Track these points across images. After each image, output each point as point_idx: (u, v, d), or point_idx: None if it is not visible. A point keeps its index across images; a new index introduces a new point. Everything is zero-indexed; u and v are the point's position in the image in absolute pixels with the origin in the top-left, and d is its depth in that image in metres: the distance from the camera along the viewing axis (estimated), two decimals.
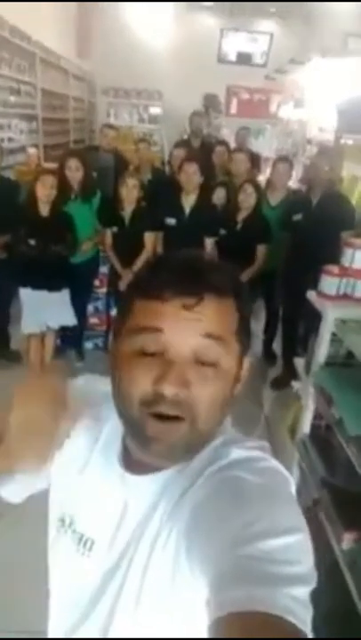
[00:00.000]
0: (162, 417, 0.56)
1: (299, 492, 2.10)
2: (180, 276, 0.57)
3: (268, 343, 4.18)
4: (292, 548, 0.50)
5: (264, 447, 0.63)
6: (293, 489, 0.60)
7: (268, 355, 4.15)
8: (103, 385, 0.67)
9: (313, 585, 0.49)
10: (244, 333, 0.61)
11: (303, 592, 0.47)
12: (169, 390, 0.55)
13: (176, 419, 0.56)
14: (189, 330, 0.56)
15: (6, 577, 2.08)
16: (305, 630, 0.44)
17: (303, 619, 0.45)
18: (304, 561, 0.50)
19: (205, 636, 0.47)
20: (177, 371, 0.55)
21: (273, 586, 0.46)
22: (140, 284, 0.60)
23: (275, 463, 0.61)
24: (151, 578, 0.60)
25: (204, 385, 0.56)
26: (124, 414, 0.60)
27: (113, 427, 0.68)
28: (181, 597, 0.58)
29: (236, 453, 0.61)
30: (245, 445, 0.62)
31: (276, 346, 4.11)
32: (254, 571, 0.47)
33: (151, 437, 0.57)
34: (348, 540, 1.55)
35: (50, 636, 0.77)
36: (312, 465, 1.92)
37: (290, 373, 3.31)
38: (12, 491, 0.71)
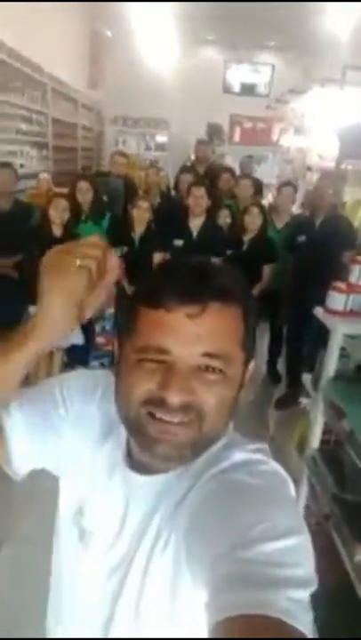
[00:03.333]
0: (163, 421, 0.56)
1: (308, 507, 2.10)
2: (183, 283, 0.56)
3: (272, 364, 4.21)
4: (291, 550, 0.50)
5: (264, 450, 0.64)
6: (293, 491, 0.60)
7: (273, 375, 4.17)
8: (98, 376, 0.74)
9: (314, 587, 0.49)
10: (249, 340, 0.61)
11: (303, 595, 0.47)
12: (172, 398, 0.55)
13: (182, 423, 0.56)
14: (193, 346, 0.55)
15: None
16: (305, 632, 0.44)
17: (303, 621, 0.45)
18: (304, 563, 0.50)
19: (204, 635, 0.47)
20: (181, 378, 0.55)
21: (272, 588, 0.46)
22: (145, 290, 0.59)
23: (275, 465, 0.61)
24: (151, 581, 0.60)
25: (208, 391, 0.56)
26: (124, 415, 0.61)
27: (121, 427, 0.68)
28: (182, 600, 0.58)
29: (237, 456, 0.61)
30: (246, 448, 0.63)
31: (280, 366, 4.14)
32: (253, 574, 0.47)
33: (154, 438, 0.57)
34: (360, 553, 1.55)
35: (48, 627, 0.78)
36: (322, 480, 1.93)
37: (294, 393, 3.34)
38: (19, 455, 0.70)
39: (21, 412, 0.70)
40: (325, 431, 2.09)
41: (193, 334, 0.55)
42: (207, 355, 0.56)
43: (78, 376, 0.79)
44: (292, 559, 0.49)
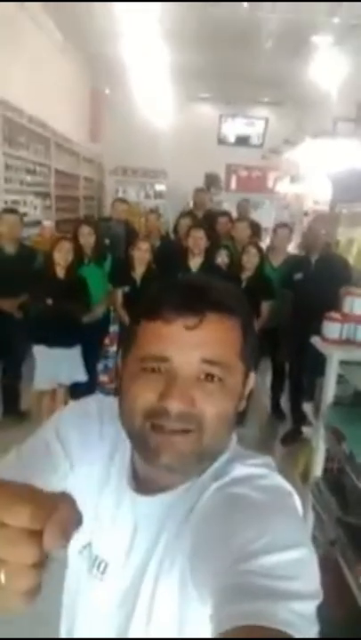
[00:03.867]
0: (165, 430, 0.56)
1: (314, 535, 2.08)
2: (182, 296, 0.58)
3: (275, 400, 4.23)
4: (292, 563, 0.50)
5: (269, 464, 0.64)
6: (298, 504, 0.60)
7: (277, 412, 4.17)
8: (112, 405, 0.66)
9: (318, 600, 0.49)
10: (248, 351, 0.62)
11: (306, 607, 0.47)
12: (173, 407, 0.55)
13: (183, 431, 0.57)
14: (192, 352, 0.57)
15: None
16: None
17: (305, 632, 0.45)
18: (306, 576, 0.50)
19: None
20: (181, 387, 0.56)
21: (274, 600, 0.46)
22: (146, 304, 0.61)
23: (278, 479, 0.61)
24: (159, 600, 0.60)
25: (208, 401, 0.57)
26: (128, 428, 0.61)
27: (124, 448, 0.69)
28: (190, 618, 0.58)
29: (240, 470, 0.61)
30: (249, 462, 0.63)
31: (284, 402, 4.15)
32: (255, 586, 0.47)
33: (156, 449, 0.57)
34: None
35: None
36: (327, 506, 1.93)
37: (300, 428, 3.34)
38: None
39: (21, 466, 0.66)
40: (328, 459, 2.11)
41: (192, 342, 0.56)
42: (206, 361, 0.57)
43: (72, 410, 0.76)
44: (293, 572, 0.49)
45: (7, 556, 0.33)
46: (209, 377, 0.57)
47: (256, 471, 0.61)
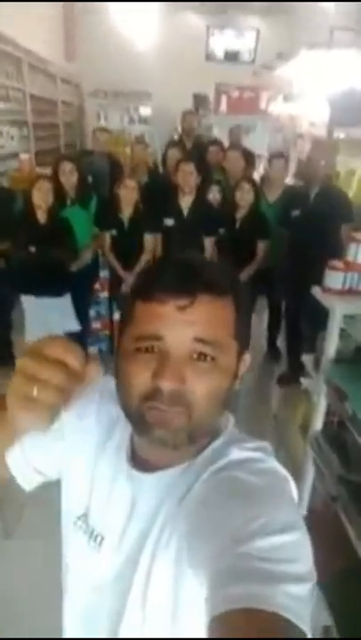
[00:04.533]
0: (160, 409, 0.58)
1: (315, 487, 2.10)
2: (174, 277, 0.58)
3: (272, 340, 4.19)
4: (288, 546, 0.51)
5: (265, 448, 0.65)
6: (294, 488, 0.61)
7: (273, 352, 4.15)
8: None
9: (313, 582, 0.50)
10: (242, 331, 0.63)
11: (301, 589, 0.48)
12: (166, 385, 0.56)
13: (175, 410, 0.58)
14: (184, 332, 0.57)
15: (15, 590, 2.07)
16: (302, 627, 0.45)
17: (301, 615, 0.45)
18: (301, 559, 0.51)
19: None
20: (173, 366, 0.57)
21: (270, 583, 0.46)
22: (139, 286, 0.62)
23: (274, 464, 0.62)
24: (156, 577, 0.62)
25: (200, 380, 0.58)
26: (124, 406, 0.62)
27: (124, 427, 0.71)
28: (185, 596, 0.59)
29: (236, 454, 0.63)
30: (246, 446, 0.64)
31: (281, 342, 4.12)
32: (251, 569, 0.48)
33: (152, 424, 0.59)
34: None
35: (66, 631, 0.79)
36: (327, 462, 1.92)
37: (296, 369, 3.32)
38: (24, 474, 0.77)
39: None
40: (328, 413, 2.07)
41: (184, 322, 0.57)
42: (198, 340, 0.57)
43: None
44: (289, 555, 0.50)
45: (42, 375, 0.45)
46: (202, 356, 0.58)
47: (253, 455, 0.63)
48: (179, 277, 0.58)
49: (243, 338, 0.63)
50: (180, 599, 0.59)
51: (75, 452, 0.73)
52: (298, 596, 0.46)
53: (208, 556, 0.52)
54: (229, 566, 0.49)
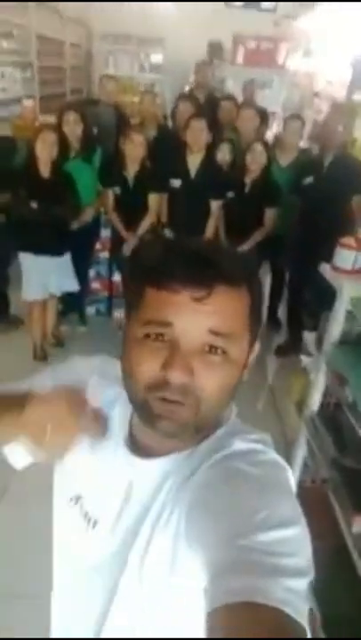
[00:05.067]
0: (166, 400, 0.57)
1: (306, 467, 2.11)
2: (190, 266, 0.55)
3: (272, 309, 4.12)
4: (289, 540, 0.50)
5: (266, 440, 0.65)
6: (292, 481, 0.61)
7: (273, 321, 4.10)
8: (115, 368, 0.65)
9: (311, 576, 0.50)
10: (255, 322, 0.61)
11: (301, 584, 0.48)
12: (175, 378, 0.55)
13: (183, 402, 0.57)
14: (199, 323, 0.55)
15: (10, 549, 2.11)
16: (301, 622, 0.45)
17: (300, 610, 0.45)
18: (301, 553, 0.51)
19: (202, 617, 0.48)
20: (183, 358, 0.55)
21: (270, 577, 0.46)
22: (151, 271, 0.58)
23: (274, 456, 0.62)
24: (152, 556, 0.61)
25: (210, 373, 0.57)
26: (131, 395, 0.61)
27: (121, 410, 0.70)
28: (181, 576, 0.58)
29: (239, 445, 0.62)
30: (247, 438, 0.64)
31: (281, 312, 4.06)
32: (252, 562, 0.47)
33: (159, 415, 0.58)
34: (358, 523, 1.55)
35: (53, 609, 0.80)
36: (321, 444, 1.91)
37: (295, 341, 3.28)
38: (16, 454, 0.73)
39: None
40: (325, 393, 2.04)
41: (198, 313, 0.55)
42: (212, 332, 0.56)
43: (70, 364, 0.81)
44: (290, 548, 0.50)
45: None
46: (213, 349, 0.56)
47: (255, 446, 0.62)
48: (195, 267, 0.55)
49: (255, 329, 0.62)
50: (177, 575, 0.59)
51: None
52: (297, 591, 0.46)
53: (208, 546, 0.52)
54: (230, 559, 0.48)
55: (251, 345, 0.62)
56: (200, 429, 0.60)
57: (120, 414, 0.70)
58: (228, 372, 0.58)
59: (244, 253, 0.65)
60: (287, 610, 0.44)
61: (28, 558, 1.85)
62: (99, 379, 0.74)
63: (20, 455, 0.74)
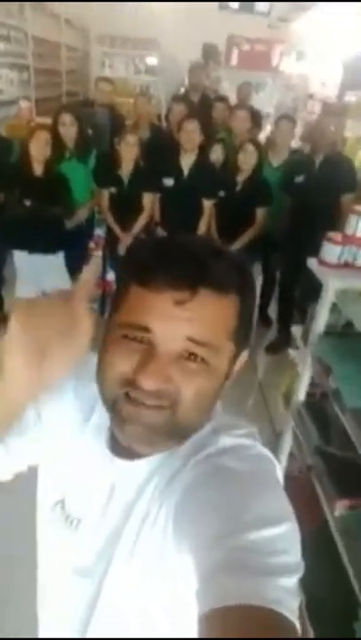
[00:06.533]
0: (137, 402, 0.54)
1: (292, 456, 2.15)
2: (175, 265, 0.52)
3: (263, 307, 4.18)
4: (279, 537, 0.50)
5: (253, 434, 0.63)
6: (281, 475, 0.60)
7: (264, 319, 4.15)
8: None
9: (301, 572, 0.50)
10: (242, 333, 0.58)
11: (292, 581, 0.48)
12: (147, 383, 0.52)
13: (156, 407, 0.54)
14: (177, 330, 0.52)
15: None
16: (294, 620, 0.45)
17: (293, 609, 0.46)
18: (292, 550, 0.50)
19: (192, 618, 0.47)
20: (159, 364, 0.52)
21: (262, 578, 0.46)
22: (137, 266, 0.55)
23: (263, 450, 0.61)
24: (140, 552, 0.61)
25: (188, 379, 0.54)
26: (101, 393, 0.59)
27: (103, 411, 0.66)
28: (168, 577, 0.58)
29: (225, 441, 0.60)
30: (234, 433, 0.62)
31: (272, 310, 4.11)
32: (244, 563, 0.47)
33: (125, 419, 0.55)
34: (340, 507, 1.59)
35: (39, 612, 0.80)
36: (307, 432, 1.95)
37: (285, 339, 3.33)
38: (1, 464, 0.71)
39: None
40: (312, 384, 2.09)
41: (178, 317, 0.52)
42: (191, 340, 0.53)
43: None
44: (281, 546, 0.49)
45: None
46: (192, 356, 0.54)
47: (242, 442, 0.61)
48: (181, 266, 0.52)
49: (242, 340, 0.59)
50: (166, 570, 0.59)
51: (52, 431, 0.70)
52: (289, 589, 0.46)
53: (198, 544, 0.51)
54: (222, 560, 0.48)
55: (235, 356, 0.59)
56: (173, 435, 0.57)
57: (101, 413, 0.66)
58: (207, 380, 0.55)
59: (241, 258, 0.62)
60: (280, 609, 0.44)
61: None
62: (77, 380, 0.70)
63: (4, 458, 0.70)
